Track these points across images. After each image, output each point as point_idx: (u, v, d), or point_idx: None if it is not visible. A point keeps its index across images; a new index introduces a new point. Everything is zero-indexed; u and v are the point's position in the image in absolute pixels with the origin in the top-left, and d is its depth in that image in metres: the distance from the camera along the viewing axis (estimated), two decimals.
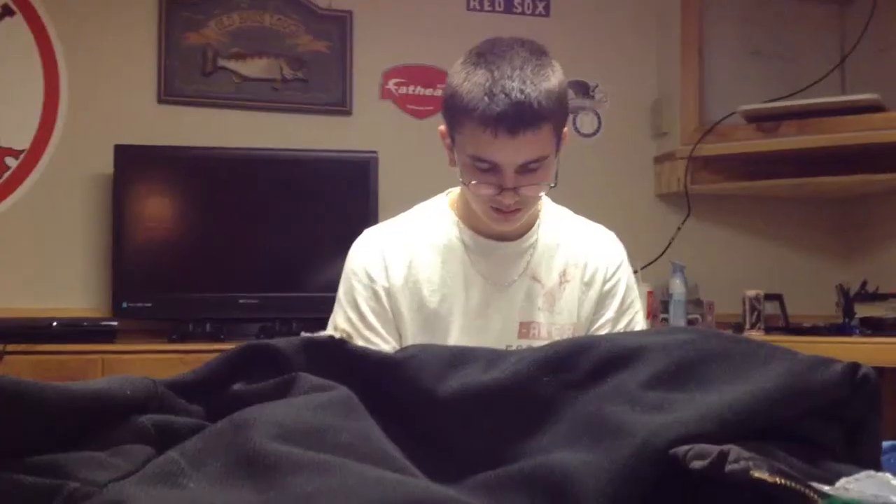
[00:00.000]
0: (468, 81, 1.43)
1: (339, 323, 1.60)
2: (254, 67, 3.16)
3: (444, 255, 1.61)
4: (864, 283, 3.13)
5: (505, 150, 1.43)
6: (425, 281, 1.59)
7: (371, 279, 1.59)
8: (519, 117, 1.40)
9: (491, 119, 1.40)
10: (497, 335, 1.58)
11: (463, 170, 1.50)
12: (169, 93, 3.08)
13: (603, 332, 1.62)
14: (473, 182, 1.48)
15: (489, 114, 1.40)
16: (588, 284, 1.64)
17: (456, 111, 1.46)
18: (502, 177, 1.46)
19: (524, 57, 1.43)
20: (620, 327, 1.64)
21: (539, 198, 1.58)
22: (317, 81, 3.20)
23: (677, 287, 3.14)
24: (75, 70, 3.01)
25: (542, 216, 1.67)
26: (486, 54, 1.45)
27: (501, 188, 1.47)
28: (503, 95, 1.39)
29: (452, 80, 1.47)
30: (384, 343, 1.57)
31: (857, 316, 3.00)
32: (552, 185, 1.51)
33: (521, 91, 1.40)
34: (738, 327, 3.02)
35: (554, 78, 1.45)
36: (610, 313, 1.64)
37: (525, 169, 1.46)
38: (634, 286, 1.70)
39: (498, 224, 1.55)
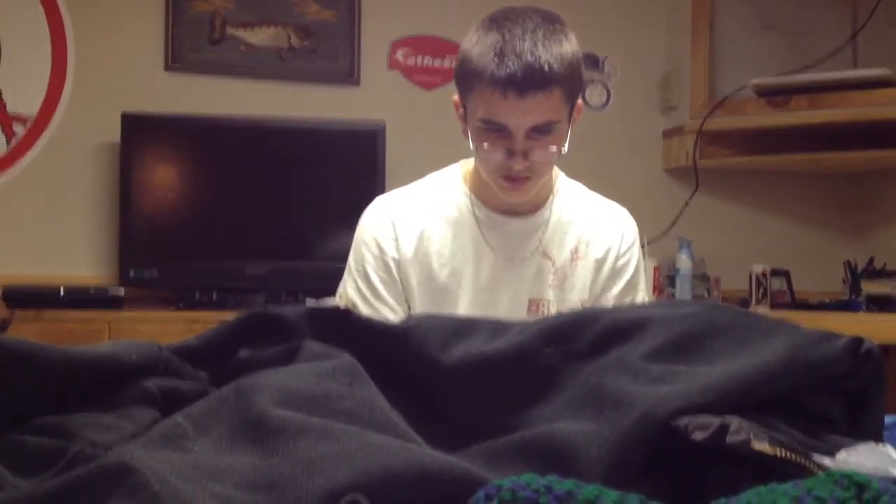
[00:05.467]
0: (479, 45, 1.44)
1: (349, 292, 1.60)
2: (261, 36, 3.14)
3: (455, 229, 1.61)
4: (871, 260, 3.12)
5: (514, 112, 1.42)
6: (435, 254, 1.59)
7: (381, 250, 1.59)
8: (529, 78, 1.39)
9: (500, 80, 1.40)
10: (506, 311, 1.57)
11: (474, 136, 1.50)
12: (176, 61, 3.07)
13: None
14: (484, 145, 1.47)
15: (499, 74, 1.40)
16: (601, 261, 1.63)
17: (466, 75, 1.46)
18: (512, 140, 1.45)
19: (537, 22, 1.43)
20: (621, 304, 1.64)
21: (550, 167, 1.55)
22: (324, 51, 3.18)
23: (684, 262, 3.13)
24: (83, 38, 3.00)
25: (556, 191, 1.65)
26: (499, 20, 1.45)
27: (511, 153, 1.46)
28: (514, 56, 1.39)
29: (464, 46, 1.48)
30: (392, 313, 1.57)
31: (863, 293, 2.99)
32: (563, 149, 1.50)
33: (532, 53, 1.39)
34: (745, 303, 3.02)
35: (567, 45, 1.44)
36: (615, 290, 1.63)
37: (535, 133, 1.45)
38: (642, 267, 1.69)
39: (508, 194, 1.54)
